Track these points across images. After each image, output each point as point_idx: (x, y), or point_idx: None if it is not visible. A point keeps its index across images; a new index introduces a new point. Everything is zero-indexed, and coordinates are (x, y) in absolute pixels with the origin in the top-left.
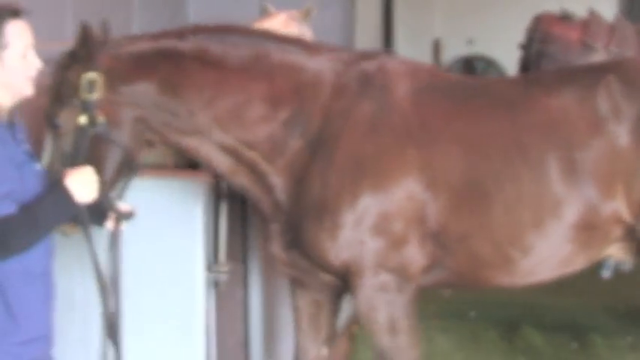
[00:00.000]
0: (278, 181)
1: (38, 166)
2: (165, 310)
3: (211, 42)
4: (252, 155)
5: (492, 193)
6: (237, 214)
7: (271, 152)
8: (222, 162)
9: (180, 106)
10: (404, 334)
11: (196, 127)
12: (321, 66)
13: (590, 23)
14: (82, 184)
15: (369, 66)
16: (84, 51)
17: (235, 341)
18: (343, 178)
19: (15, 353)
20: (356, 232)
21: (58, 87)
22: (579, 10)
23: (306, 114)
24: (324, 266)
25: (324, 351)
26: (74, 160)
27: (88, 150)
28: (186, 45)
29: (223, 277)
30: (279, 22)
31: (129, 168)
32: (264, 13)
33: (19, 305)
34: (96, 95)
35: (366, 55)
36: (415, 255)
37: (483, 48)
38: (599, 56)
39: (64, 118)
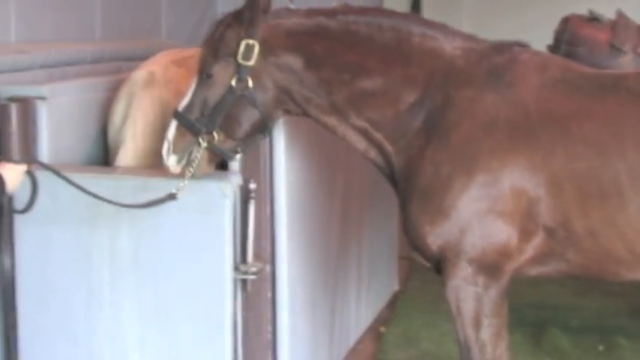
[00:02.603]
0: (396, 162)
1: None
2: (192, 310)
3: (359, 24)
4: (379, 136)
5: (626, 191)
6: (266, 214)
7: (395, 133)
8: (356, 141)
9: (320, 85)
10: (488, 330)
11: (333, 107)
12: (454, 54)
13: (618, 25)
14: (11, 176)
15: (500, 58)
16: (249, 15)
17: (263, 342)
18: (454, 168)
19: None
20: (458, 222)
21: (218, 41)
22: (607, 12)
23: (431, 99)
24: (422, 249)
25: None
26: (214, 112)
27: (230, 108)
28: (335, 25)
29: (251, 277)
30: None
31: (261, 131)
32: None
33: None
34: (251, 62)
35: (500, 47)
36: (514, 253)
37: None
38: (627, 59)
39: (217, 72)
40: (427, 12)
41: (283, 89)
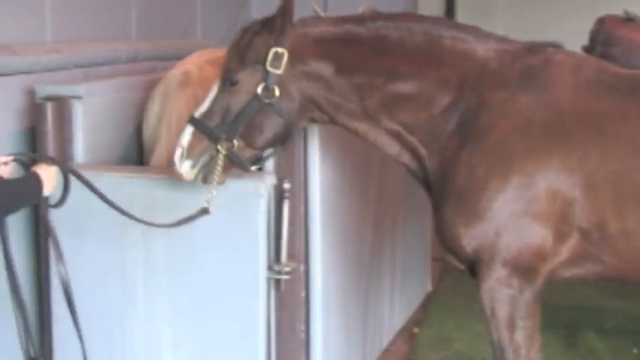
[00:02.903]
0: (429, 165)
1: None
2: (226, 309)
3: (388, 29)
4: (412, 140)
5: None
6: (300, 213)
7: (428, 137)
8: (389, 145)
9: (353, 91)
10: (522, 332)
11: (365, 113)
12: (487, 56)
13: None
14: (48, 178)
15: (534, 59)
16: (280, 23)
17: (296, 342)
18: (490, 170)
19: None
20: (493, 224)
21: (246, 48)
22: None
23: (464, 102)
24: (457, 251)
25: None
26: (237, 120)
27: (253, 116)
28: (365, 31)
29: (285, 277)
30: None
31: (282, 141)
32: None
33: None
34: (280, 71)
35: (533, 48)
36: (549, 255)
37: None
38: None
39: (242, 79)
40: (461, 14)
41: (310, 98)
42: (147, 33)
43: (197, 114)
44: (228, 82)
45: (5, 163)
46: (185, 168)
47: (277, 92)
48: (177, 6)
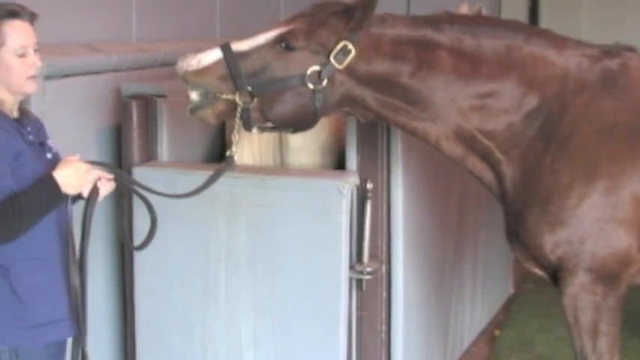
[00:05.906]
0: (508, 171)
1: (49, 156)
2: (307, 308)
3: (466, 33)
4: (488, 144)
5: None
6: (382, 214)
7: (507, 143)
8: (452, 148)
9: (423, 97)
10: (606, 339)
11: (434, 116)
12: (567, 61)
13: None
14: (71, 177)
15: (613, 63)
16: (360, 15)
17: (377, 342)
18: (574, 176)
19: (27, 337)
20: (578, 231)
21: (318, 24)
22: None
23: (547, 107)
24: (539, 258)
25: None
26: (271, 83)
27: (287, 91)
28: (443, 35)
29: (366, 277)
30: None
31: (299, 127)
32: None
33: (28, 290)
34: (341, 67)
35: (610, 52)
36: (632, 262)
37: None
38: None
39: (300, 52)
40: (545, 16)
41: (356, 98)
42: (231, 32)
43: (234, 46)
44: (284, 44)
45: (109, 180)
46: (189, 89)
47: (324, 83)
48: (260, 5)
